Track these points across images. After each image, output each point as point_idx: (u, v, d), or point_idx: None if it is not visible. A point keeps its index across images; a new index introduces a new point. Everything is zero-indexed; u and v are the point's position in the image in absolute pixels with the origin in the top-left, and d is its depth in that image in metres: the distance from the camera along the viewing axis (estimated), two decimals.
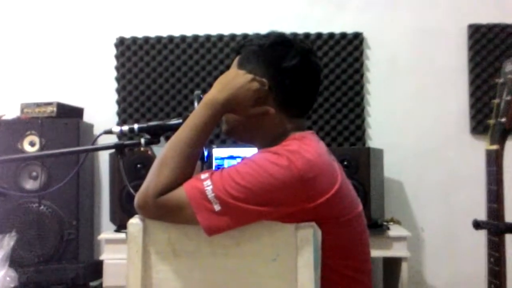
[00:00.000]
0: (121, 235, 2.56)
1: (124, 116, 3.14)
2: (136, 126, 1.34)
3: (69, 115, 2.85)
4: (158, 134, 1.35)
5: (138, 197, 1.10)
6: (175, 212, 1.07)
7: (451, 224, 3.05)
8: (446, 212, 3.08)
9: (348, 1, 3.17)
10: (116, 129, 1.35)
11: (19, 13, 3.26)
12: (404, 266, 2.46)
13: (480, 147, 3.03)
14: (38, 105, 2.82)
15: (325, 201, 1.08)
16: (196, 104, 1.27)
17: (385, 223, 2.63)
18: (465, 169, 3.05)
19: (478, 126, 3.09)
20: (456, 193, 3.07)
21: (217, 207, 1.04)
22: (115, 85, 3.19)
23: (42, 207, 2.70)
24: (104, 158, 3.10)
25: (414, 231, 3.02)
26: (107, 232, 2.78)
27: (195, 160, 1.15)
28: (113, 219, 2.78)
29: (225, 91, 1.16)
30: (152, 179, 1.09)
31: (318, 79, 1.30)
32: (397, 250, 2.53)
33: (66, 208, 2.74)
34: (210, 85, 1.44)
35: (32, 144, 2.75)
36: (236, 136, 1.31)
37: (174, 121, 1.32)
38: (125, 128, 1.34)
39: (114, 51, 3.20)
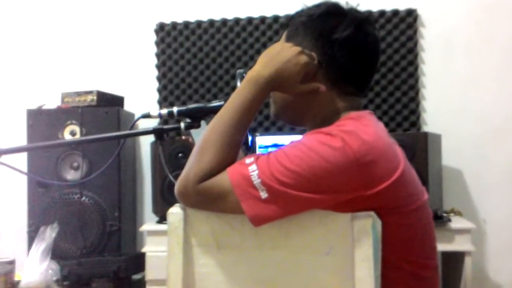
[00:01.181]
0: (164, 227, 2.45)
1: (165, 104, 3.06)
2: (175, 109, 1.28)
3: (109, 104, 2.79)
4: (199, 117, 1.28)
5: (178, 184, 1.03)
6: (218, 200, 0.99)
7: None
8: (510, 203, 2.83)
9: None
10: (155, 112, 1.29)
11: (60, 2, 3.22)
12: (468, 261, 2.27)
13: None
14: (78, 94, 2.77)
15: (385, 188, 0.97)
16: (238, 83, 1.17)
17: (445, 215, 2.43)
18: None
19: None
20: None
21: (263, 194, 0.96)
22: (155, 72, 3.11)
23: (83, 198, 2.66)
24: (145, 149, 3.04)
25: (475, 223, 2.78)
26: (149, 223, 2.71)
27: (238, 143, 1.05)
28: (155, 210, 2.71)
29: (270, 66, 1.06)
30: (193, 165, 1.02)
31: (375, 52, 1.16)
32: (459, 244, 2.33)
33: (108, 199, 2.69)
34: None
35: (72, 133, 2.70)
36: (285, 118, 1.20)
37: (215, 103, 1.25)
38: (164, 111, 1.28)
39: (154, 37, 3.11)
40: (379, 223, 0.97)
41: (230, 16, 3.06)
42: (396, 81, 2.92)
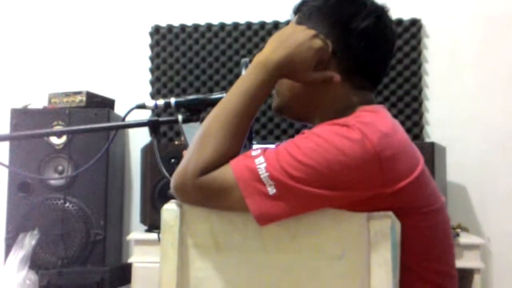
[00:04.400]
0: (152, 236, 2.37)
1: (158, 111, 2.93)
2: (173, 100, 1.20)
3: (99, 106, 2.69)
4: (198, 110, 1.21)
5: (175, 176, 0.93)
6: (219, 195, 0.90)
7: None
8: None
9: None
10: (150, 103, 1.22)
11: (53, 0, 3.12)
12: (477, 279, 2.17)
13: None
14: (67, 94, 2.66)
15: (405, 186, 0.90)
16: (243, 72, 1.07)
17: (452, 230, 2.31)
18: None
19: None
20: None
21: (271, 190, 0.87)
22: (149, 76, 3.01)
23: (67, 204, 2.53)
24: (135, 154, 2.91)
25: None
26: (136, 232, 2.56)
27: (243, 133, 0.96)
28: (143, 219, 2.59)
29: (281, 50, 0.97)
30: (192, 156, 0.93)
31: (391, 46, 1.09)
32: (469, 260, 2.23)
33: (94, 206, 2.57)
34: None
35: (59, 136, 2.56)
36: (289, 111, 1.09)
37: (217, 95, 1.18)
38: (161, 102, 1.20)
39: (149, 40, 3.02)
40: (398, 224, 0.89)
41: (228, 20, 2.98)
42: (399, 92, 2.84)
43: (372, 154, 0.87)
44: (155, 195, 2.46)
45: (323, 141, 0.88)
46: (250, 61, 1.03)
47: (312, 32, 0.99)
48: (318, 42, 0.98)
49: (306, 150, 0.88)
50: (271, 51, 0.97)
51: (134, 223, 2.92)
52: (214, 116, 0.95)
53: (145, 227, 2.55)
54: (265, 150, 0.91)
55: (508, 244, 2.73)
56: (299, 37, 0.97)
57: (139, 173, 2.69)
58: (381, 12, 1.05)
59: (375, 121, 0.92)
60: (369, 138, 0.87)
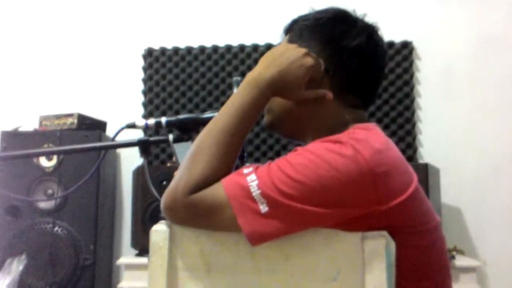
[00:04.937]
0: (143, 260, 2.32)
1: (150, 132, 2.90)
2: (163, 119, 1.19)
3: (91, 128, 2.65)
4: (189, 129, 1.21)
5: (165, 195, 0.91)
6: (211, 215, 0.88)
7: None
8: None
9: (395, 7, 2.90)
10: (141, 122, 1.20)
11: (44, 21, 3.12)
12: None
13: None
14: (58, 117, 2.63)
15: (400, 203, 0.87)
16: (235, 90, 1.05)
17: (448, 253, 2.27)
18: None
19: None
20: None
21: (263, 208, 0.85)
22: (141, 98, 2.99)
23: (56, 228, 2.46)
24: (127, 177, 2.86)
25: None
26: (127, 256, 2.51)
27: (235, 151, 0.94)
28: (134, 244, 2.53)
29: (273, 67, 0.97)
30: (183, 174, 0.91)
31: (382, 64, 1.10)
32: (465, 283, 2.21)
33: (83, 230, 2.51)
34: None
35: (49, 158, 2.54)
36: (281, 128, 1.08)
37: (208, 114, 1.18)
38: (151, 121, 1.19)
39: (141, 62, 3.01)
40: (393, 244, 0.86)
41: (221, 43, 2.98)
42: (392, 114, 2.84)
43: (365, 170, 0.85)
44: (146, 218, 2.41)
45: (315, 157, 0.87)
46: (242, 80, 1.02)
47: (303, 50, 0.98)
48: (309, 60, 0.97)
49: (298, 166, 0.86)
50: (263, 69, 0.96)
51: (125, 247, 2.86)
52: (206, 134, 0.94)
53: (136, 251, 2.50)
54: (257, 167, 0.89)
55: (504, 266, 2.69)
56: (290, 55, 0.97)
57: (131, 196, 2.66)
58: (372, 30, 1.05)
59: (368, 137, 0.91)
60: (362, 154, 0.86)
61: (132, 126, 1.22)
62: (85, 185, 2.47)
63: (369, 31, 1.04)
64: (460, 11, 2.88)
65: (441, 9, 2.90)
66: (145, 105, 2.97)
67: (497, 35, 2.84)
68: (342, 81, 1.01)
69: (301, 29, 1.06)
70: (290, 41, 1.05)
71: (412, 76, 2.86)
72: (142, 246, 2.43)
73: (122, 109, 2.99)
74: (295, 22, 1.09)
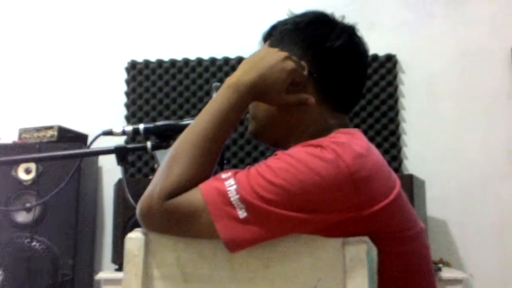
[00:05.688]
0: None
1: (128, 139, 2.86)
2: (141, 126, 1.16)
3: (71, 141, 2.63)
4: (168, 136, 1.17)
5: (141, 202, 0.88)
6: (187, 220, 0.85)
7: (506, 271, 2.66)
8: (499, 256, 2.69)
9: (379, 20, 2.92)
10: (118, 129, 1.18)
11: (25, 33, 3.09)
12: None
13: None
14: (38, 129, 2.60)
15: (382, 209, 0.86)
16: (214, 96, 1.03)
17: (434, 265, 2.25)
18: None
19: None
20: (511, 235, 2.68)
21: (242, 214, 0.83)
22: (124, 111, 2.96)
23: (34, 243, 2.40)
24: (109, 191, 2.81)
25: None
26: (106, 271, 2.45)
27: (214, 156, 0.92)
28: (114, 259, 2.47)
29: (253, 72, 0.95)
30: (160, 179, 0.88)
31: (365, 64, 1.09)
32: None
33: (62, 244, 2.46)
34: None
35: (27, 171, 2.50)
36: (265, 136, 1.06)
37: (187, 121, 1.14)
38: (129, 128, 1.17)
39: (125, 75, 2.98)
40: (374, 250, 0.85)
41: (205, 55, 2.97)
42: (377, 126, 2.83)
43: (346, 175, 0.84)
44: (127, 232, 2.35)
45: (295, 161, 0.85)
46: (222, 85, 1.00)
47: (284, 54, 0.97)
48: (290, 64, 0.96)
49: (278, 170, 0.84)
50: (243, 73, 0.95)
51: (105, 263, 2.80)
52: (183, 138, 0.92)
53: (116, 267, 2.44)
54: (236, 172, 0.87)
55: (491, 279, 2.68)
56: (271, 59, 0.95)
57: (112, 211, 2.61)
58: (353, 31, 1.05)
59: (349, 141, 0.90)
60: (343, 159, 0.84)
61: (109, 133, 1.19)
62: (65, 199, 2.43)
63: (350, 32, 1.04)
64: (443, 24, 2.91)
65: (424, 23, 2.92)
66: (127, 118, 2.94)
67: (480, 49, 2.87)
68: (327, 84, 1.00)
69: (282, 34, 1.05)
70: (271, 46, 1.03)
71: (396, 89, 2.87)
72: (122, 261, 2.36)
73: (104, 122, 2.92)
74: (274, 28, 1.08)
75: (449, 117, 2.84)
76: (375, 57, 2.87)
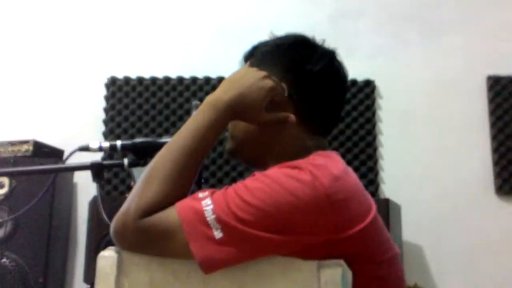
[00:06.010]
0: None
1: (104, 156, 2.82)
2: (119, 142, 1.16)
3: (47, 156, 2.57)
4: (146, 153, 1.16)
5: (115, 219, 0.88)
6: (162, 239, 0.84)
7: None
8: (471, 282, 2.70)
9: (358, 46, 2.96)
10: (95, 145, 1.18)
11: (3, 46, 3.04)
12: None
13: (508, 209, 2.80)
14: (12, 143, 2.54)
15: (357, 232, 0.87)
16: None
17: None
18: (492, 234, 2.72)
19: (504, 185, 2.79)
20: (483, 261, 2.71)
21: (218, 234, 0.82)
22: (102, 128, 2.92)
23: (4, 259, 2.33)
24: (83, 209, 2.75)
25: None
26: None
27: (192, 174, 0.91)
28: (87, 278, 2.41)
29: (232, 90, 0.96)
30: (135, 196, 0.88)
31: (345, 87, 1.10)
32: None
33: (33, 261, 2.38)
34: None
35: (0, 185, 2.43)
36: (243, 154, 1.06)
37: (165, 139, 1.12)
38: (106, 144, 1.16)
39: (104, 91, 2.95)
40: (349, 273, 0.85)
41: (186, 74, 2.97)
42: (354, 150, 2.86)
43: (323, 197, 0.84)
44: (100, 251, 2.31)
45: (272, 182, 0.85)
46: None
47: (263, 73, 0.98)
48: (269, 82, 0.97)
49: (255, 191, 0.84)
50: (222, 91, 0.96)
51: (77, 282, 2.73)
52: (161, 155, 0.91)
53: (88, 286, 2.38)
54: (213, 191, 0.87)
55: None
56: (250, 78, 0.96)
57: (86, 229, 2.56)
58: (333, 55, 1.07)
59: (327, 164, 0.91)
60: (320, 181, 0.85)
61: (85, 148, 1.20)
62: (38, 215, 2.37)
63: (331, 56, 1.05)
64: (419, 53, 2.96)
65: (401, 50, 2.96)
66: (105, 134, 2.90)
67: (455, 78, 2.91)
68: (306, 106, 1.01)
69: (263, 55, 1.06)
70: (251, 66, 1.04)
71: (374, 114, 2.90)
72: (94, 280, 2.31)
73: (81, 138, 2.87)
74: (255, 48, 1.09)
75: (425, 144, 2.87)
76: (354, 82, 2.91)
